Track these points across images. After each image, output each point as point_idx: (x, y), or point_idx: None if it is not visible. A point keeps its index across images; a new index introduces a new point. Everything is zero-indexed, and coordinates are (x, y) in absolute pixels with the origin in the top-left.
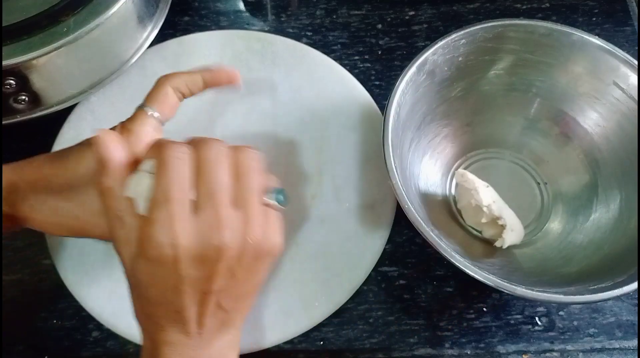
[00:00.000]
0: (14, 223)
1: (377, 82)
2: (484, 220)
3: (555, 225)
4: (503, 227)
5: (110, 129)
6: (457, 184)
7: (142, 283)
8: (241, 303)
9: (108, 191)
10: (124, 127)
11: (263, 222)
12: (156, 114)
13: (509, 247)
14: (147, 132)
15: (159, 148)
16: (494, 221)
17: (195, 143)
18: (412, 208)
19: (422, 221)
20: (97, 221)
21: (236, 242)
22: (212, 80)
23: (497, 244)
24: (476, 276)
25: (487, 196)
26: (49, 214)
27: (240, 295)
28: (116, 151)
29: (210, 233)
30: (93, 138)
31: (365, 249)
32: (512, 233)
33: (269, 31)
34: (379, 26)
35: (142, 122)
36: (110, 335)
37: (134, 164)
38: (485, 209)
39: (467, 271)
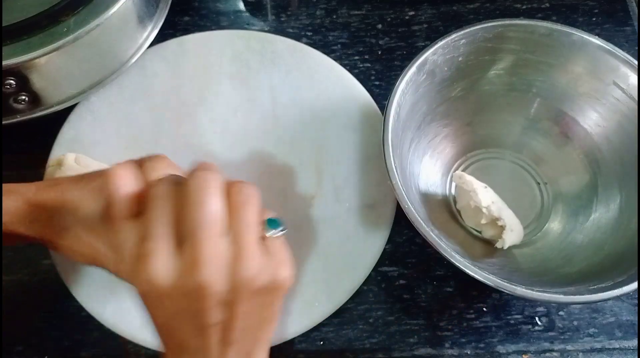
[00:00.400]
0: (29, 241)
1: (377, 82)
2: (483, 221)
3: (555, 225)
4: (503, 228)
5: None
6: (456, 185)
7: (147, 312)
8: (255, 333)
9: (111, 223)
10: (141, 160)
11: (262, 256)
12: None
13: (509, 247)
14: (161, 167)
15: (155, 183)
16: (494, 221)
17: (189, 176)
18: (412, 208)
19: (422, 221)
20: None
21: (222, 279)
22: None
23: (498, 245)
24: (476, 277)
25: (486, 197)
26: (73, 242)
27: (249, 327)
28: (124, 185)
29: (190, 269)
30: (107, 170)
31: (365, 249)
32: (512, 234)
33: (269, 31)
34: (379, 26)
35: (158, 159)
36: (110, 335)
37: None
38: (484, 210)
39: (467, 271)
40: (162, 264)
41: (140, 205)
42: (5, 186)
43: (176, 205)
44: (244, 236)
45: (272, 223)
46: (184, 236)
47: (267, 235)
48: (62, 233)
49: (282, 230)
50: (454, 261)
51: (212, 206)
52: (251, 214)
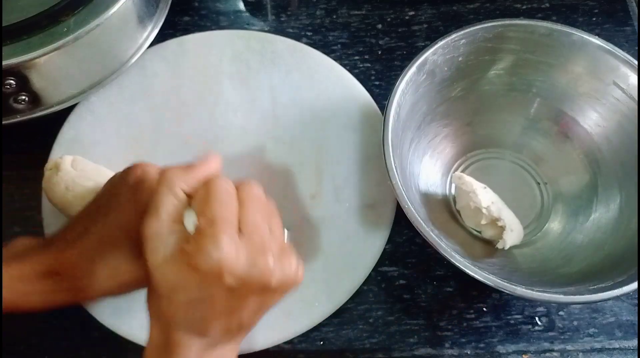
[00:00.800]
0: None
1: (377, 82)
2: (483, 221)
3: (555, 225)
4: (503, 228)
5: None
6: (456, 186)
7: (172, 285)
8: (254, 322)
9: (151, 236)
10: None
11: (291, 258)
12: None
13: (509, 247)
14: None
15: (210, 181)
16: (494, 222)
17: (239, 183)
18: (412, 208)
19: (422, 221)
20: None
21: (276, 270)
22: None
23: (499, 246)
24: (476, 277)
25: (485, 197)
26: (106, 278)
27: (258, 316)
28: (152, 171)
29: (256, 256)
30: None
31: (365, 249)
32: (512, 234)
33: (269, 31)
34: (379, 26)
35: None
36: (110, 335)
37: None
38: (484, 210)
39: (467, 271)
40: (232, 245)
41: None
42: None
43: (235, 203)
44: (280, 240)
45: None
46: (244, 229)
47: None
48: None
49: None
50: (454, 262)
51: (262, 212)
52: (279, 224)
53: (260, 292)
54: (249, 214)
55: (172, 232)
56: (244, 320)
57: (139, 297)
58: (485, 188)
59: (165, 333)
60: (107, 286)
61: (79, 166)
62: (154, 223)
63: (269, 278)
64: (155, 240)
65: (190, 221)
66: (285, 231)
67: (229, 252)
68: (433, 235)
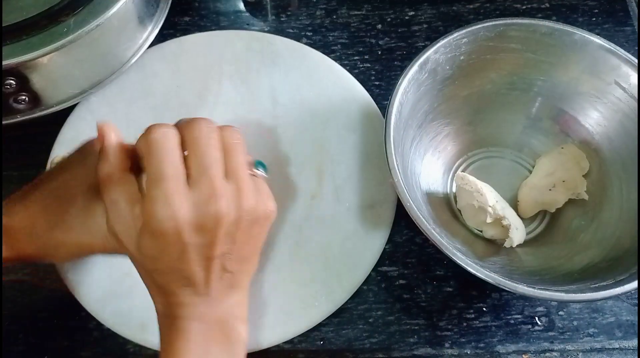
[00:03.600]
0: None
1: (377, 82)
2: (488, 220)
3: (556, 224)
4: (506, 227)
5: None
6: (457, 185)
7: (149, 258)
8: (245, 265)
9: (106, 179)
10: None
11: (254, 191)
12: None
13: (510, 246)
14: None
15: (148, 132)
16: (497, 221)
17: (185, 123)
18: (413, 206)
19: (423, 219)
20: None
21: (232, 210)
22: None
23: (507, 244)
24: (477, 274)
25: (490, 196)
26: (65, 237)
27: (243, 257)
28: (112, 138)
29: (207, 203)
30: (98, 128)
31: (365, 249)
32: (517, 232)
33: (269, 31)
34: (379, 26)
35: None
36: (110, 335)
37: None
38: (490, 209)
39: (469, 269)
40: (181, 200)
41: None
42: None
43: (178, 148)
44: (240, 174)
45: (258, 164)
46: (193, 177)
47: (256, 172)
48: (50, 233)
49: (265, 171)
50: (456, 259)
51: (215, 149)
52: (242, 156)
53: (226, 234)
54: (196, 159)
55: (129, 201)
56: (227, 264)
57: (139, 297)
58: (487, 187)
59: (165, 303)
60: (62, 242)
61: None
62: (108, 197)
63: (231, 217)
64: (117, 214)
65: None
66: (265, 170)
67: (178, 203)
68: (435, 233)
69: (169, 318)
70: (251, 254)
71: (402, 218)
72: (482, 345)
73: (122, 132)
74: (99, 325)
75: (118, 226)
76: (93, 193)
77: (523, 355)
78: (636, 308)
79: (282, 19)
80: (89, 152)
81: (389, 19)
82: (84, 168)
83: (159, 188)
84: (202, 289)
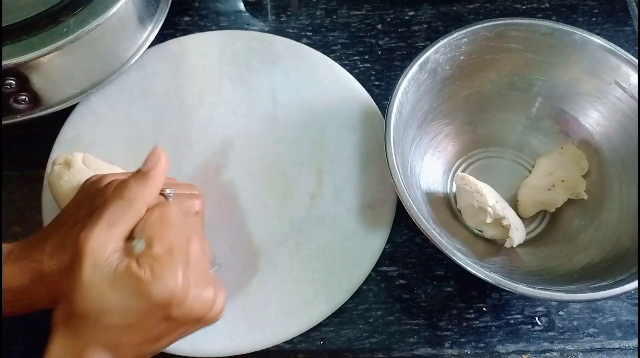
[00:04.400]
0: None
1: (377, 82)
2: (488, 220)
3: (556, 224)
4: (506, 227)
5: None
6: (457, 185)
7: (102, 307)
8: (161, 349)
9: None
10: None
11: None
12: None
13: (511, 246)
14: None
15: (163, 207)
16: (497, 221)
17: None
18: (413, 206)
19: (423, 219)
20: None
21: (214, 300)
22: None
23: (507, 244)
24: (477, 274)
25: (490, 196)
26: None
27: (169, 343)
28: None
29: (200, 289)
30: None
31: (365, 249)
32: (517, 232)
33: (269, 31)
34: (379, 26)
35: None
36: None
37: None
38: (490, 209)
39: (469, 269)
40: (186, 280)
41: None
42: None
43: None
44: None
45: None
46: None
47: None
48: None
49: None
50: (456, 260)
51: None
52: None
53: (193, 322)
54: (194, 245)
55: (117, 250)
56: (159, 346)
57: None
58: (487, 187)
59: (73, 351)
60: None
61: (92, 164)
62: (101, 236)
63: (208, 310)
64: (97, 255)
65: (137, 247)
66: (216, 265)
67: (181, 281)
68: (435, 233)
69: None
70: (169, 343)
71: (402, 218)
72: (482, 345)
73: (122, 132)
74: None
75: (90, 244)
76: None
77: (523, 355)
78: (636, 308)
79: (282, 19)
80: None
81: (389, 19)
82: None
83: (171, 260)
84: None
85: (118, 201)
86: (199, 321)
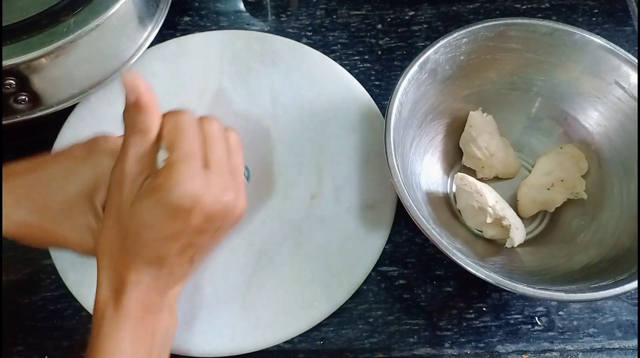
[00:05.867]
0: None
1: (377, 83)
2: (488, 220)
3: (556, 224)
4: (506, 227)
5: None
6: (456, 186)
7: (139, 225)
8: (202, 260)
9: (134, 131)
10: None
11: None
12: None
13: (511, 246)
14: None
15: (176, 115)
16: (497, 221)
17: (202, 118)
18: (413, 206)
19: (423, 219)
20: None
21: (232, 206)
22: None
23: (507, 244)
24: (477, 274)
25: (490, 196)
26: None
27: (207, 252)
28: (153, 96)
29: (221, 193)
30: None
31: (365, 249)
32: (517, 232)
33: (269, 31)
34: (379, 26)
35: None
36: None
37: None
38: (490, 209)
39: (469, 269)
40: (203, 182)
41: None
42: None
43: (200, 137)
44: (240, 174)
45: (246, 170)
46: (209, 166)
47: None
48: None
49: (248, 177)
50: (456, 260)
51: (224, 147)
52: (241, 158)
53: (217, 229)
54: (214, 150)
55: (142, 172)
56: (201, 252)
57: None
58: (487, 187)
59: (118, 276)
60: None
61: None
62: (122, 165)
63: (231, 213)
64: (124, 182)
65: (161, 159)
66: (247, 168)
67: (199, 184)
68: (435, 233)
69: (114, 294)
70: (211, 250)
71: (402, 218)
72: (482, 345)
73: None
74: None
75: (119, 186)
76: (88, 192)
77: (523, 355)
78: (636, 308)
79: (282, 19)
80: (95, 150)
81: (389, 19)
82: (85, 166)
83: (187, 165)
84: (165, 273)
85: (125, 133)
86: (225, 223)
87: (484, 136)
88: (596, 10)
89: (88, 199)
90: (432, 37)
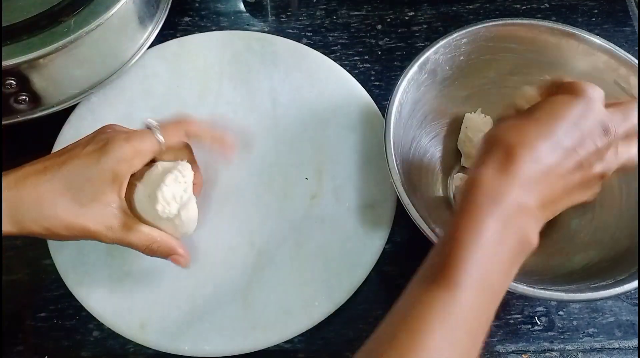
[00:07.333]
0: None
1: (376, 83)
2: None
3: (556, 224)
4: None
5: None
6: (455, 186)
7: (553, 112)
8: (575, 190)
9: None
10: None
11: None
12: (161, 139)
13: None
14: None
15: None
16: None
17: None
18: (413, 206)
19: (422, 219)
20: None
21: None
22: (213, 142)
23: None
24: None
25: None
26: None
27: (580, 183)
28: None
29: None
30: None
31: (365, 249)
32: None
33: (269, 32)
34: (379, 27)
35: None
36: (110, 335)
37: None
38: None
39: None
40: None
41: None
42: None
43: None
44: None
45: None
46: None
47: None
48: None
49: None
50: None
51: None
52: None
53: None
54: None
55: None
56: (574, 178)
57: (139, 297)
58: None
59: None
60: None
61: None
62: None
63: (608, 143)
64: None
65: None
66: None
67: (599, 93)
68: (434, 233)
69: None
70: (577, 191)
71: (402, 218)
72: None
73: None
74: (99, 325)
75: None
76: (109, 184)
77: (523, 355)
78: (636, 308)
79: (282, 20)
80: (105, 140)
81: (388, 20)
82: (101, 159)
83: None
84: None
85: None
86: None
87: (481, 135)
88: (596, 11)
89: (109, 190)
90: (432, 37)
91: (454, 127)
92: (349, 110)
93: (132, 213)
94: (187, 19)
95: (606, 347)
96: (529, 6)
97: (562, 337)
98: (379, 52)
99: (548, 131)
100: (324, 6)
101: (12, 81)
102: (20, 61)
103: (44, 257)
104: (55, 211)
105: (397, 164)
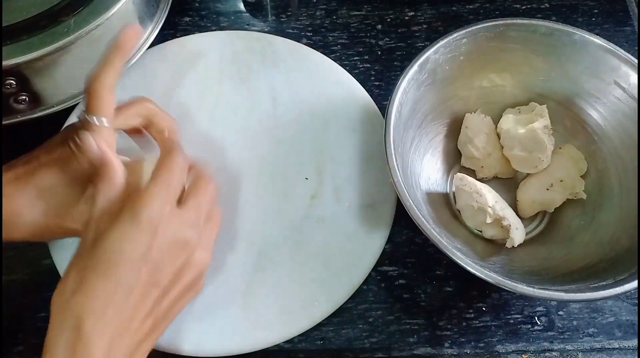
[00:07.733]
0: None
1: (377, 83)
2: (488, 221)
3: (556, 224)
4: (506, 227)
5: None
6: (456, 186)
7: (111, 253)
8: (169, 316)
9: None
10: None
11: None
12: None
13: (512, 246)
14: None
15: (174, 151)
16: (497, 221)
17: (193, 165)
18: (413, 206)
19: (423, 219)
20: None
21: (196, 246)
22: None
23: (508, 245)
24: (477, 274)
25: (490, 197)
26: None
27: (172, 306)
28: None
29: (186, 227)
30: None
31: (365, 249)
32: (517, 232)
33: (269, 32)
34: (379, 27)
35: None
36: None
37: None
38: (489, 209)
39: (469, 269)
40: (172, 209)
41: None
42: None
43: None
44: (215, 225)
45: None
46: (185, 203)
47: None
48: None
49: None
50: (456, 259)
51: (207, 199)
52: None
53: (178, 268)
54: (196, 195)
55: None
56: (163, 300)
57: None
58: (486, 187)
59: (74, 327)
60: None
61: None
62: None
63: (191, 252)
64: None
65: None
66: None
67: (168, 211)
68: (435, 233)
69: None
70: (179, 306)
71: (402, 218)
72: (481, 344)
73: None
74: None
75: (96, 216)
76: (76, 184)
77: (523, 355)
78: (636, 308)
79: (282, 20)
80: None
81: (388, 19)
82: (75, 161)
83: (162, 190)
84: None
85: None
86: (185, 272)
87: (481, 136)
88: (596, 11)
89: (79, 189)
90: (432, 37)
91: (454, 127)
92: (349, 110)
93: None
94: (187, 19)
95: (606, 347)
96: (529, 6)
97: (562, 337)
98: (379, 52)
99: (115, 286)
100: (324, 6)
101: (12, 81)
102: (20, 61)
103: (44, 257)
104: (40, 217)
105: (397, 164)
